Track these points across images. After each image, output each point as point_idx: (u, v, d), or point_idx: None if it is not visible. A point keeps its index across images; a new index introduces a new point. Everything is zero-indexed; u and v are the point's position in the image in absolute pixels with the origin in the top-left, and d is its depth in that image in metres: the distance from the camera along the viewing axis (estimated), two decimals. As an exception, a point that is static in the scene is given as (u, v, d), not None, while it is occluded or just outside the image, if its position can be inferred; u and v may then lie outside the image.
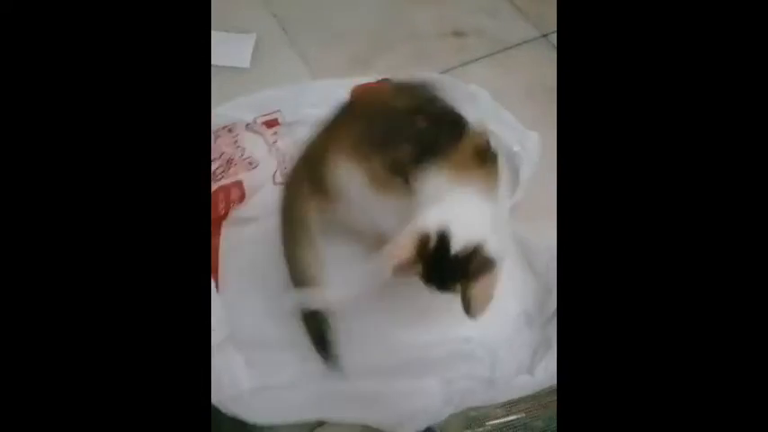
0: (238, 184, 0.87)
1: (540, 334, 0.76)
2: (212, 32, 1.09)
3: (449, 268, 0.62)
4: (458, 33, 1.15)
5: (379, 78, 0.99)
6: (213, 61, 1.03)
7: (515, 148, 0.90)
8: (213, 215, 0.85)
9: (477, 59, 1.11)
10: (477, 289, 0.61)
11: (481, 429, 0.71)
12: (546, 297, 0.79)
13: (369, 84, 0.99)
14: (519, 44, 1.14)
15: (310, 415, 0.71)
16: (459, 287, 0.62)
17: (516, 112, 0.92)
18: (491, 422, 0.72)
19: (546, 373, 0.71)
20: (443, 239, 0.61)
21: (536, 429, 0.71)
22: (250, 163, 0.90)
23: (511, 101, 0.95)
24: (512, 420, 0.71)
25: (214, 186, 0.86)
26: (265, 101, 0.95)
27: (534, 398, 0.72)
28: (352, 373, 0.72)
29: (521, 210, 0.87)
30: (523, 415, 0.72)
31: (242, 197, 0.87)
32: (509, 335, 0.77)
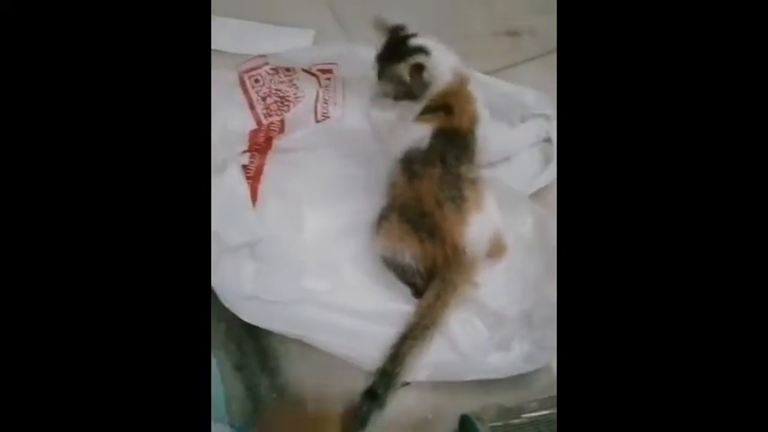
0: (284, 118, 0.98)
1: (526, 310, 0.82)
2: (270, 27, 1.14)
3: None
4: (511, 33, 1.16)
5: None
6: (271, 56, 1.07)
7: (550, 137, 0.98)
8: (264, 141, 0.98)
9: (530, 59, 1.11)
10: None
11: (517, 421, 0.72)
12: (545, 271, 0.82)
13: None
14: (572, 45, 1.14)
15: (292, 330, 0.79)
16: None
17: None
18: (526, 415, 0.73)
19: (520, 352, 0.78)
20: None
21: (570, 425, 0.72)
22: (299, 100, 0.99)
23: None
24: (547, 414, 0.73)
25: (267, 120, 0.97)
26: (324, 53, 0.99)
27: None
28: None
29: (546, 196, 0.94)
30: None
31: (282, 128, 0.98)
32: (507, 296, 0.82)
